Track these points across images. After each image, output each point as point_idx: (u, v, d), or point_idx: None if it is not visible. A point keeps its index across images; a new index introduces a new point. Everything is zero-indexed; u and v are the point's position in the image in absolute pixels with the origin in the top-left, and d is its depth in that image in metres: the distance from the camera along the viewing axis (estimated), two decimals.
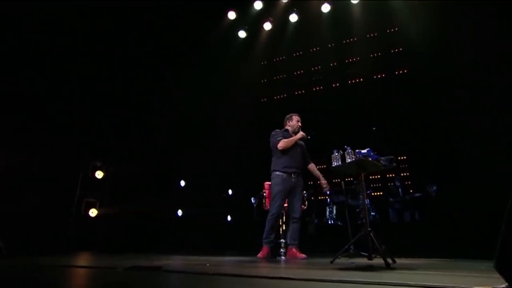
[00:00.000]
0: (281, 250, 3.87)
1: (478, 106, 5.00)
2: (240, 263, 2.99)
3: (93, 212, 6.18)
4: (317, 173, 3.91)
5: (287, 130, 3.90)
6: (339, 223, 6.71)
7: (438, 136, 5.60)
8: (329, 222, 6.80)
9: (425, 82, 5.60)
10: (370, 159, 2.91)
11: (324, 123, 6.86)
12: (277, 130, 3.88)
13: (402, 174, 7.08)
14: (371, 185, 7.28)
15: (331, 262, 2.91)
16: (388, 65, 6.53)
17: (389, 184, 7.34)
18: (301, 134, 3.73)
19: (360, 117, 6.59)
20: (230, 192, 7.80)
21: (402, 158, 7.49)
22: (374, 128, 7.19)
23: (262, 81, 7.68)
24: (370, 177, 7.45)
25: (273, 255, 3.78)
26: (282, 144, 3.66)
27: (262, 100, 7.92)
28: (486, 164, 4.90)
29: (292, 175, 3.67)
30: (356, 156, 2.95)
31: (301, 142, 3.86)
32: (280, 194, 3.67)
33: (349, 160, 2.97)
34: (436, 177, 5.58)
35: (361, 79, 6.76)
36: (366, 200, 6.71)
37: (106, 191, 6.59)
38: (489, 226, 4.28)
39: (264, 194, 4.20)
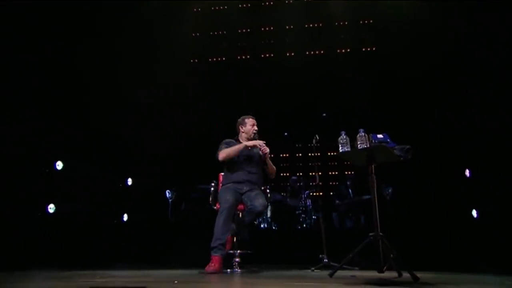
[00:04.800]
0: (236, 259, 3.75)
1: (447, 99, 5.72)
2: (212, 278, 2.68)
3: None
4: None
5: (237, 139, 3.96)
6: (274, 227, 6.81)
7: (397, 128, 6.18)
8: (262, 225, 6.83)
9: (394, 65, 6.09)
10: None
11: (269, 100, 6.86)
12: (226, 140, 3.92)
13: (346, 173, 7.63)
14: (312, 183, 7.62)
15: (330, 275, 2.86)
16: (355, 39, 6.88)
17: (331, 183, 7.85)
18: (252, 142, 3.77)
19: (311, 98, 6.79)
20: (129, 181, 7.05)
21: None
22: (324, 115, 7.60)
23: (194, 35, 7.14)
24: (310, 174, 7.81)
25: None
26: (221, 155, 3.75)
27: (191, 60, 7.45)
28: (449, 165, 5.67)
29: (244, 188, 3.74)
30: (371, 142, 2.92)
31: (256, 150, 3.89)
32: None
33: (361, 146, 2.92)
34: (391, 177, 6.13)
35: (322, 51, 6.94)
36: (308, 201, 7.08)
37: None
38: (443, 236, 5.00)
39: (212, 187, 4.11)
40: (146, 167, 6.66)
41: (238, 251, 3.79)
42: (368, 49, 6.89)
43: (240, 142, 3.89)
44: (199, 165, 6.76)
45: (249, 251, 3.90)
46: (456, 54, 5.63)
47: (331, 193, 7.28)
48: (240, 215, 3.88)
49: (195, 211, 6.37)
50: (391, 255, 2.76)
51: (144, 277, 2.85)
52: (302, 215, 6.89)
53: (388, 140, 2.97)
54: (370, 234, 2.87)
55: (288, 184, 7.71)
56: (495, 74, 5.26)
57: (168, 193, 6.42)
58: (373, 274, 3.11)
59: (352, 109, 6.61)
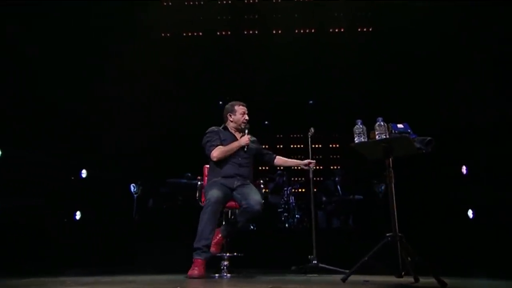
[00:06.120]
0: (224, 263, 3.69)
1: (444, 93, 5.90)
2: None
3: None
4: (291, 161, 4.14)
5: (225, 127, 3.89)
6: (252, 227, 6.79)
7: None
8: None
9: (389, 50, 6.18)
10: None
11: (250, 83, 6.79)
12: (213, 128, 3.83)
13: (332, 167, 7.74)
14: (294, 179, 7.68)
15: (343, 280, 2.85)
16: (349, 18, 6.87)
17: (315, 178, 7.91)
18: (245, 140, 3.72)
19: (298, 82, 6.79)
20: (83, 173, 6.79)
21: (334, 146, 8.21)
22: (310, 102, 7.65)
23: (165, 3, 6.89)
24: (293, 168, 7.85)
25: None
26: (217, 154, 3.68)
27: (162, 34, 7.22)
28: (445, 161, 5.86)
29: (235, 183, 3.69)
30: (391, 132, 2.92)
31: (252, 144, 3.85)
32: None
33: (379, 137, 2.91)
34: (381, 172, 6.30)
35: (313, 30, 6.91)
36: (291, 198, 7.11)
37: None
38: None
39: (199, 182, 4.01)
40: (105, 156, 6.43)
41: (227, 254, 3.71)
42: (364, 29, 6.96)
43: (228, 131, 3.83)
44: (170, 156, 6.64)
45: (239, 254, 3.84)
46: (458, 41, 5.80)
47: (315, 190, 7.38)
48: (231, 214, 3.82)
49: (166, 208, 6.27)
50: (409, 258, 2.78)
51: (127, 283, 2.69)
52: (284, 214, 6.91)
53: (409, 130, 2.97)
54: (388, 234, 2.85)
55: (267, 178, 7.71)
56: (495, 68, 5.47)
57: (132, 188, 6.25)
58: (382, 278, 3.14)
59: (343, 97, 6.68)
